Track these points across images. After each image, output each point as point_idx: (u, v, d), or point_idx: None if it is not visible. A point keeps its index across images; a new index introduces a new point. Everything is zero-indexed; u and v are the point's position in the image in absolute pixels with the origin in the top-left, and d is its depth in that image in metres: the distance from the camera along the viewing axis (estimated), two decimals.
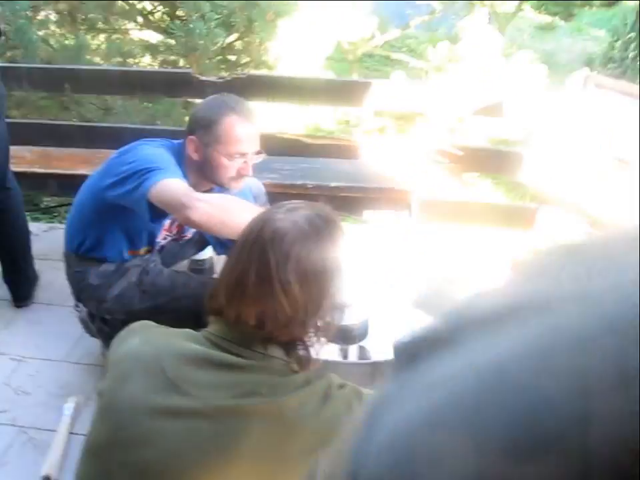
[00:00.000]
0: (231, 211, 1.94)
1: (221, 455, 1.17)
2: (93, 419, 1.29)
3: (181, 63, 5.08)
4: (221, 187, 2.24)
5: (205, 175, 2.20)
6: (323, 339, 1.30)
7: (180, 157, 2.18)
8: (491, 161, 3.56)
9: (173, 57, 4.89)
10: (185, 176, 2.10)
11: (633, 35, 5.70)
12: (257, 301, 1.21)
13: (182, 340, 1.30)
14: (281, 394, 1.20)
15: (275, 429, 1.18)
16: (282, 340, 1.25)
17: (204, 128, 2.13)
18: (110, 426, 1.24)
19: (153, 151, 2.12)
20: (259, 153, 2.20)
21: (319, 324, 1.28)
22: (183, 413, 1.19)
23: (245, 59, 5.19)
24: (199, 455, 1.17)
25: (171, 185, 1.96)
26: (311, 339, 1.29)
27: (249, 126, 2.14)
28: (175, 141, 2.25)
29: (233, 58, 5.25)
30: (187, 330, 1.36)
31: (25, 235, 3.00)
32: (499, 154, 3.65)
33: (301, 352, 1.28)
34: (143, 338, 1.33)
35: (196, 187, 2.09)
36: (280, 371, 1.24)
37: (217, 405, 1.18)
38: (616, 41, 5.86)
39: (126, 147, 2.20)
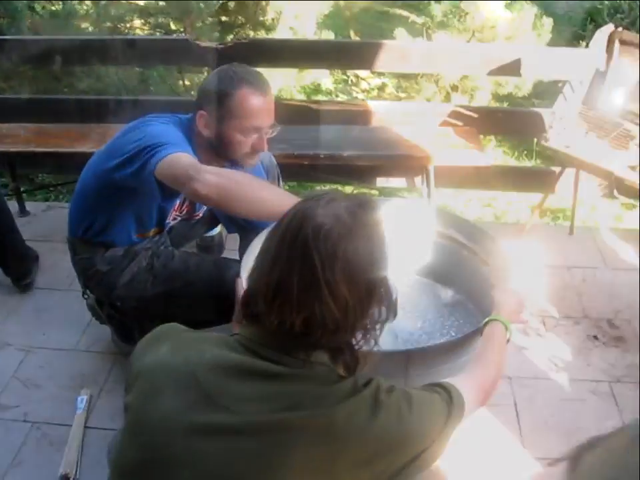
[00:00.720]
0: (244, 185, 1.81)
1: (265, 474, 1.07)
2: (121, 436, 1.18)
3: (173, 26, 4.88)
4: (233, 164, 2.10)
5: (216, 151, 2.06)
6: (371, 340, 1.18)
7: (189, 133, 2.04)
8: (509, 123, 3.41)
9: (165, 20, 4.69)
10: (195, 153, 1.96)
11: None
12: (302, 305, 1.08)
13: (214, 347, 1.18)
14: (329, 405, 1.10)
15: (323, 444, 1.08)
16: (329, 346, 1.13)
17: (215, 102, 1.98)
18: (141, 445, 1.13)
19: (160, 128, 1.98)
20: (273, 126, 2.06)
21: (367, 325, 1.16)
22: (222, 430, 1.08)
23: (239, 20, 4.98)
24: (241, 475, 1.07)
25: (178, 159, 1.82)
26: (359, 341, 1.17)
27: (264, 98, 1.99)
28: (183, 116, 2.10)
29: (226, 19, 5.04)
30: (218, 335, 1.25)
31: (5, 209, 2.81)
32: (516, 115, 3.51)
33: (348, 355, 1.16)
34: (172, 345, 1.21)
35: (207, 164, 1.95)
36: (325, 378, 1.13)
37: (259, 420, 1.08)
38: None
39: (131, 124, 2.06)
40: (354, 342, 1.17)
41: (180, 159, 1.81)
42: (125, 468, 1.15)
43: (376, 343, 1.20)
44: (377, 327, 1.18)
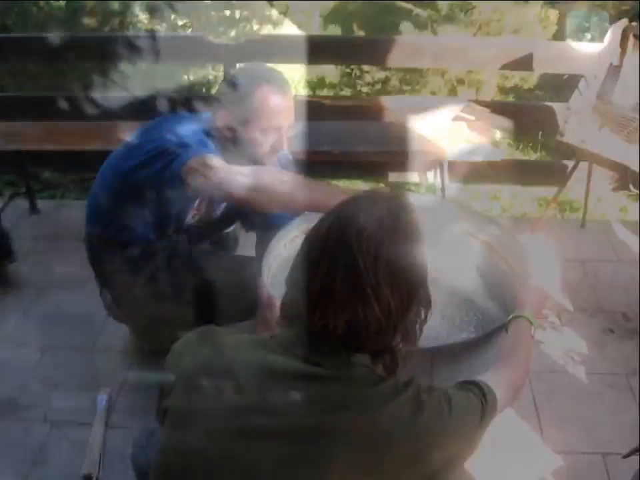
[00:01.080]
0: (277, 184, 1.85)
1: (310, 477, 1.07)
2: (163, 439, 1.18)
3: (179, 21, 4.86)
4: (252, 163, 2.09)
5: (235, 150, 2.04)
6: (411, 341, 1.18)
7: (208, 132, 2.03)
8: (521, 117, 3.40)
9: (172, 15, 4.67)
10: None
11: None
12: (345, 308, 1.08)
13: (254, 349, 1.18)
14: (372, 406, 1.10)
15: (368, 445, 1.08)
16: (371, 347, 1.13)
17: (234, 101, 1.97)
18: (184, 449, 1.13)
19: (180, 127, 1.97)
20: (292, 125, 2.05)
21: (408, 326, 1.16)
22: (265, 433, 1.08)
23: (244, 13, 4.96)
24: (286, 478, 1.07)
25: (206, 161, 1.83)
26: (399, 342, 1.17)
27: (284, 97, 1.98)
28: (202, 115, 2.09)
29: (231, 14, 5.02)
30: (256, 336, 1.26)
31: None
32: (528, 109, 3.50)
33: (389, 356, 1.16)
34: (211, 348, 1.21)
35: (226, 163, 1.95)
36: (367, 379, 1.13)
37: (303, 422, 1.08)
38: None
39: (149, 123, 2.05)
40: (394, 343, 1.17)
41: (207, 160, 1.82)
42: (167, 471, 1.15)
43: (415, 344, 1.20)
44: (417, 327, 1.19)
